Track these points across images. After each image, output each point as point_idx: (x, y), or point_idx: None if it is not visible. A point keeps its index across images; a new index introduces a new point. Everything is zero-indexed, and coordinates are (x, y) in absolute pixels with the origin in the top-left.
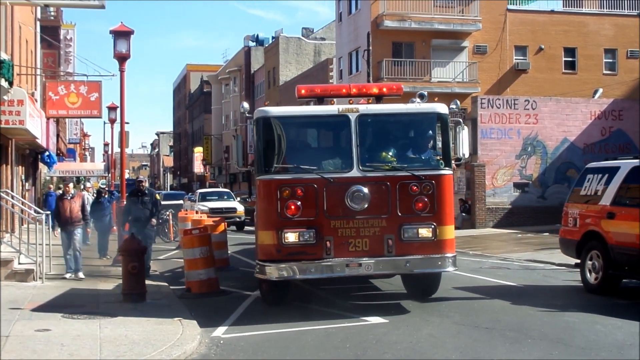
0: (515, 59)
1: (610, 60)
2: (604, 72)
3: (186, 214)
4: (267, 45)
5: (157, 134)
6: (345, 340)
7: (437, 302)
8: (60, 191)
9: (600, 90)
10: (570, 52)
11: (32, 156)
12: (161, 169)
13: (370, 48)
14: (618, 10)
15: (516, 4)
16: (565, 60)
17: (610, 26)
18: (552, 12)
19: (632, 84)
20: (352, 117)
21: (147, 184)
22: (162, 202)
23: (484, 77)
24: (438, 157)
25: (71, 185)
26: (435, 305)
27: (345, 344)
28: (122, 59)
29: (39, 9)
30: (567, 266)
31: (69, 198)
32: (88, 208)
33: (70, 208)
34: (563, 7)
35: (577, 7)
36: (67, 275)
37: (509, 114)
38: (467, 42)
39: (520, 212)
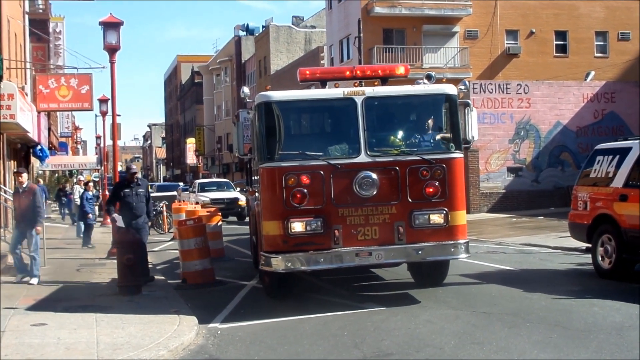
0: (507, 44)
1: (602, 43)
2: (596, 54)
3: (180, 205)
4: (257, 34)
5: (149, 126)
6: (344, 327)
7: (434, 288)
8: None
9: (592, 73)
10: (561, 35)
11: (23, 150)
12: (154, 161)
13: (361, 35)
14: None
15: None
16: (556, 44)
17: (600, 9)
18: None
19: (624, 66)
20: (359, 100)
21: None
22: (156, 194)
23: (476, 62)
24: (448, 140)
25: (25, 176)
26: (432, 291)
27: (344, 331)
28: (112, 50)
29: (27, 2)
30: (563, 249)
31: (20, 191)
32: (43, 202)
33: (20, 203)
34: None
35: None
36: (17, 279)
37: (502, 99)
38: (458, 27)
39: (515, 196)
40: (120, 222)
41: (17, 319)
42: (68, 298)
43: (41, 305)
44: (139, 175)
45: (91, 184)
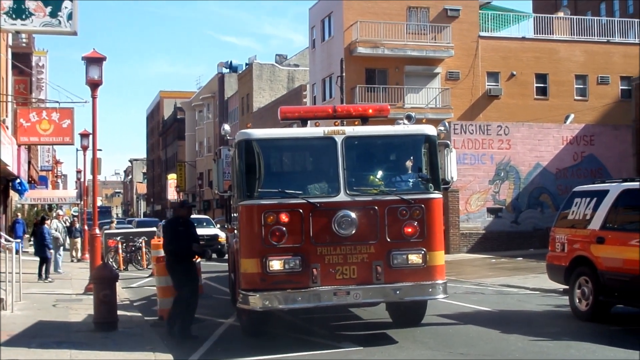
0: (488, 85)
1: (581, 86)
2: (575, 97)
3: (159, 241)
4: (240, 71)
5: (131, 161)
6: None
7: (411, 328)
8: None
9: (572, 115)
10: (541, 78)
11: (2, 183)
12: (134, 196)
13: (344, 74)
14: (588, 37)
15: (488, 31)
16: (536, 86)
17: (580, 52)
18: (524, 38)
19: (603, 110)
20: (339, 139)
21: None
22: (136, 230)
23: (457, 103)
24: (427, 180)
25: None
26: (409, 332)
27: None
28: (94, 85)
29: (10, 35)
30: (541, 291)
31: None
32: None
33: None
34: (534, 33)
35: (548, 33)
36: None
37: (482, 140)
38: (440, 68)
39: (494, 237)
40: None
41: None
42: (43, 334)
43: (15, 341)
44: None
45: (49, 220)
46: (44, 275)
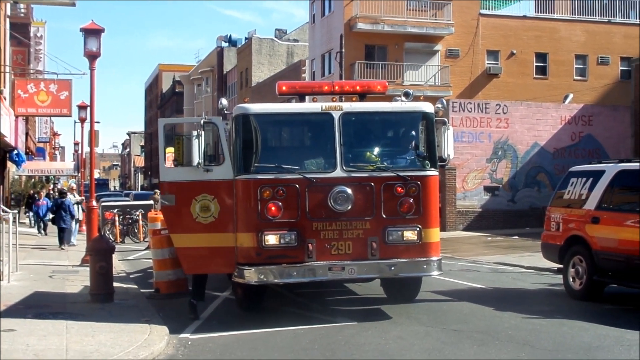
0: (487, 64)
1: (581, 66)
2: (575, 77)
3: (156, 214)
4: (240, 46)
5: (129, 134)
6: (314, 341)
7: (406, 304)
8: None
9: (571, 95)
10: (541, 57)
11: (0, 155)
12: (132, 169)
13: (343, 50)
14: (589, 17)
15: (489, 9)
16: (536, 66)
17: (581, 32)
18: (524, 17)
19: (602, 90)
20: (336, 115)
21: None
22: (133, 203)
23: (456, 80)
24: (423, 158)
25: None
26: (404, 308)
27: (314, 345)
28: (92, 57)
29: (8, 5)
30: (536, 269)
31: None
32: None
33: None
34: (535, 12)
35: (549, 12)
36: None
37: (480, 118)
38: (440, 45)
39: (490, 215)
40: None
41: None
42: (39, 305)
43: (11, 312)
44: None
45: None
46: (65, 245)
